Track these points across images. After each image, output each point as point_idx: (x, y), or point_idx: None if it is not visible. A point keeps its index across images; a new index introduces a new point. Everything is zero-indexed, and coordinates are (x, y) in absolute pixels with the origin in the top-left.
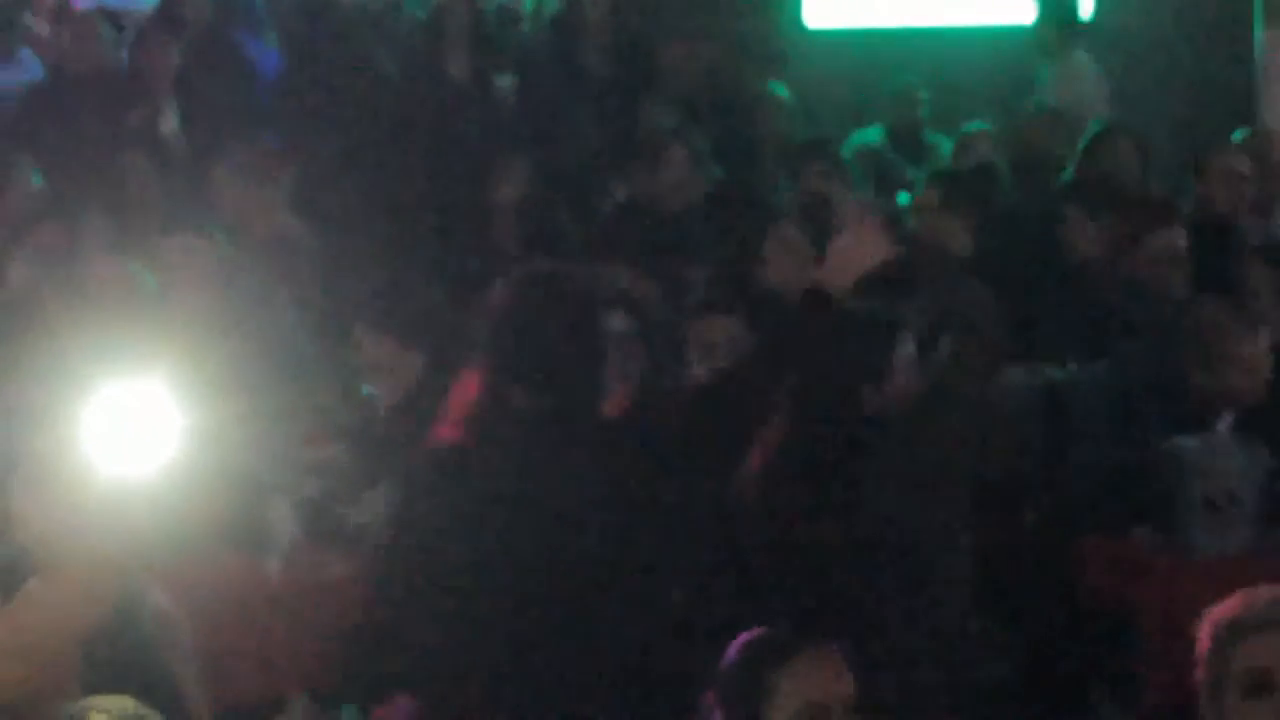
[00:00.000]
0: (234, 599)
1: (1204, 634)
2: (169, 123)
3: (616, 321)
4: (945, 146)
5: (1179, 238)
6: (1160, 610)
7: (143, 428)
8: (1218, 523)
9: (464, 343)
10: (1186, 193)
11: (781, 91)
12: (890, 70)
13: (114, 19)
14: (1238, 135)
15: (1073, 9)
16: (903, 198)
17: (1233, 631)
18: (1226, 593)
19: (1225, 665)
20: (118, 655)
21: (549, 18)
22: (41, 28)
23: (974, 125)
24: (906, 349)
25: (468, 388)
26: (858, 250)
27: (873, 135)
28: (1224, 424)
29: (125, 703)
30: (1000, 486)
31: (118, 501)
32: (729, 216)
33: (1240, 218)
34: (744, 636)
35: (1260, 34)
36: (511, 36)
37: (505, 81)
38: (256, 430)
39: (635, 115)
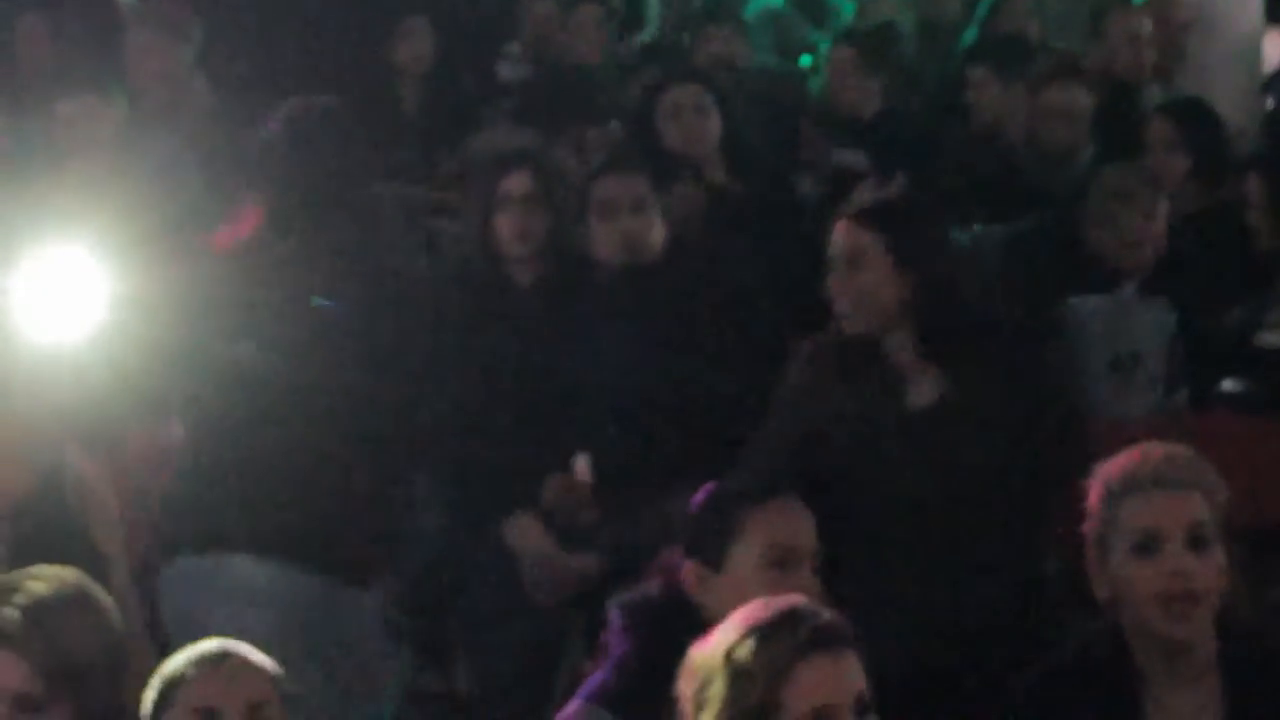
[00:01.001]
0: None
1: (1094, 489)
2: None
3: (520, 181)
4: (846, 9)
5: (1079, 93)
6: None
7: (67, 295)
8: (1122, 384)
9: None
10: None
11: None
12: None
13: None
14: None
15: None
16: (805, 59)
17: (1123, 488)
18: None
19: (1113, 521)
20: (42, 524)
21: None
22: None
23: None
24: None
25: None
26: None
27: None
28: (1128, 288)
29: (65, 573)
30: None
31: (42, 370)
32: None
33: (1141, 80)
34: (711, 485)
35: None
36: None
37: None
38: (173, 295)
39: None
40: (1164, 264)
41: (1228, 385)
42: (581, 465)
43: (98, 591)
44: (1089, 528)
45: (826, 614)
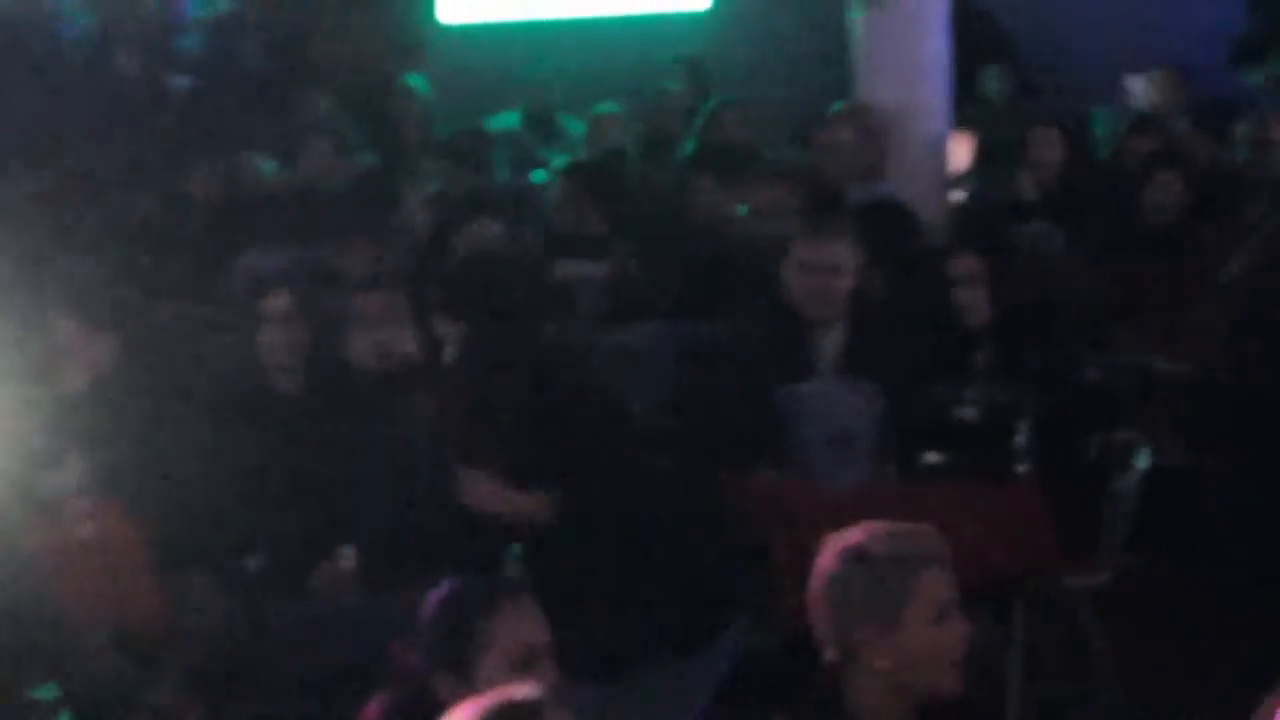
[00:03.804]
0: None
1: (853, 561)
2: None
3: (280, 301)
4: (575, 127)
5: (785, 194)
6: (790, 538)
7: None
8: (838, 458)
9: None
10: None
11: (417, 83)
12: (523, 60)
13: None
14: (838, 106)
15: None
16: (538, 175)
17: (915, 561)
18: (849, 520)
19: (906, 592)
20: None
21: (211, 20)
22: None
23: (603, 107)
24: None
25: None
26: None
27: (510, 120)
28: (827, 368)
29: None
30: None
31: None
32: (379, 197)
33: (846, 183)
34: (439, 591)
35: (856, 13)
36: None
37: (182, 81)
38: None
39: (286, 108)
40: (863, 347)
41: (929, 457)
42: (346, 554)
43: None
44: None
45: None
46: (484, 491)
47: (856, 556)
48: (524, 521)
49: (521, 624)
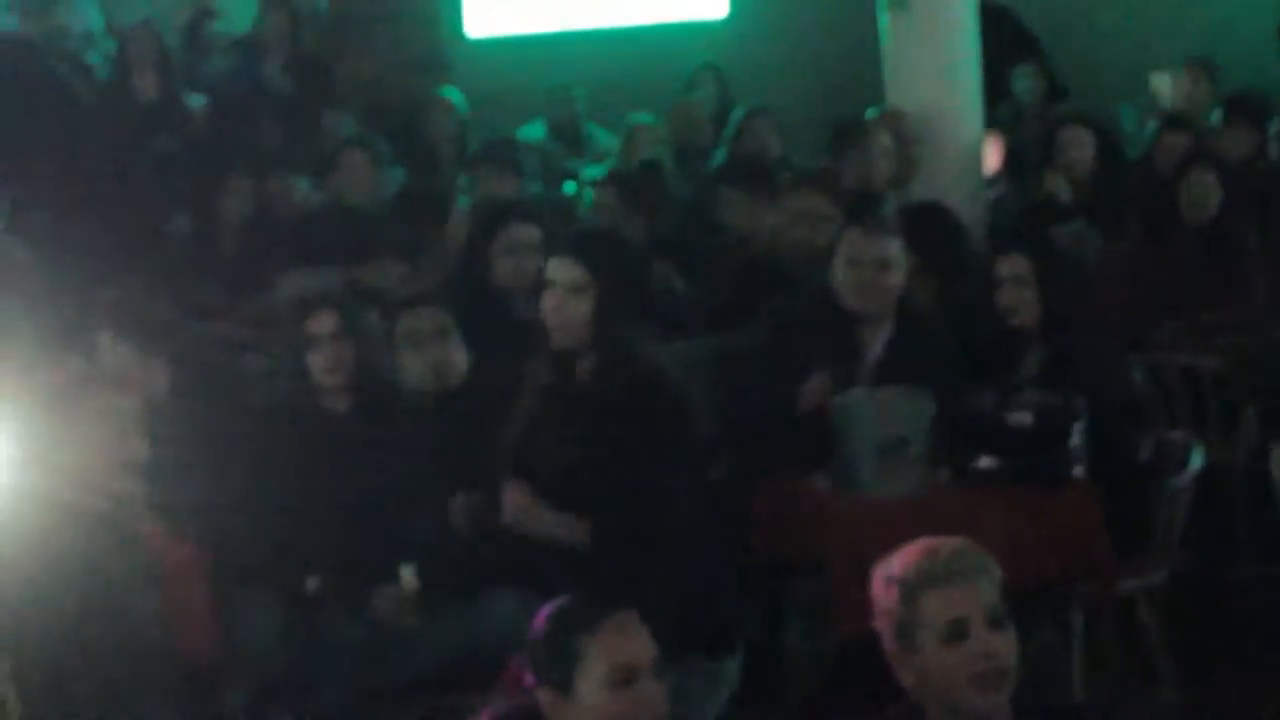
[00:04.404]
0: None
1: (885, 585)
2: None
3: (325, 322)
4: (601, 137)
5: (821, 201)
6: (844, 548)
7: None
8: (889, 466)
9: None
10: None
11: (453, 96)
12: (546, 72)
13: None
14: (873, 112)
15: None
16: (569, 187)
17: (920, 584)
18: (902, 529)
19: (916, 616)
20: None
21: (234, 40)
22: None
23: (638, 118)
24: None
25: None
26: None
27: (535, 131)
28: (872, 369)
29: None
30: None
31: None
32: (413, 214)
33: (882, 189)
34: (549, 607)
35: (884, 20)
36: (201, 60)
37: (197, 101)
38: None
39: (318, 126)
40: (911, 348)
41: (983, 462)
42: (407, 574)
43: None
44: (883, 623)
45: None
46: (520, 509)
47: (884, 577)
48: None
49: (623, 643)
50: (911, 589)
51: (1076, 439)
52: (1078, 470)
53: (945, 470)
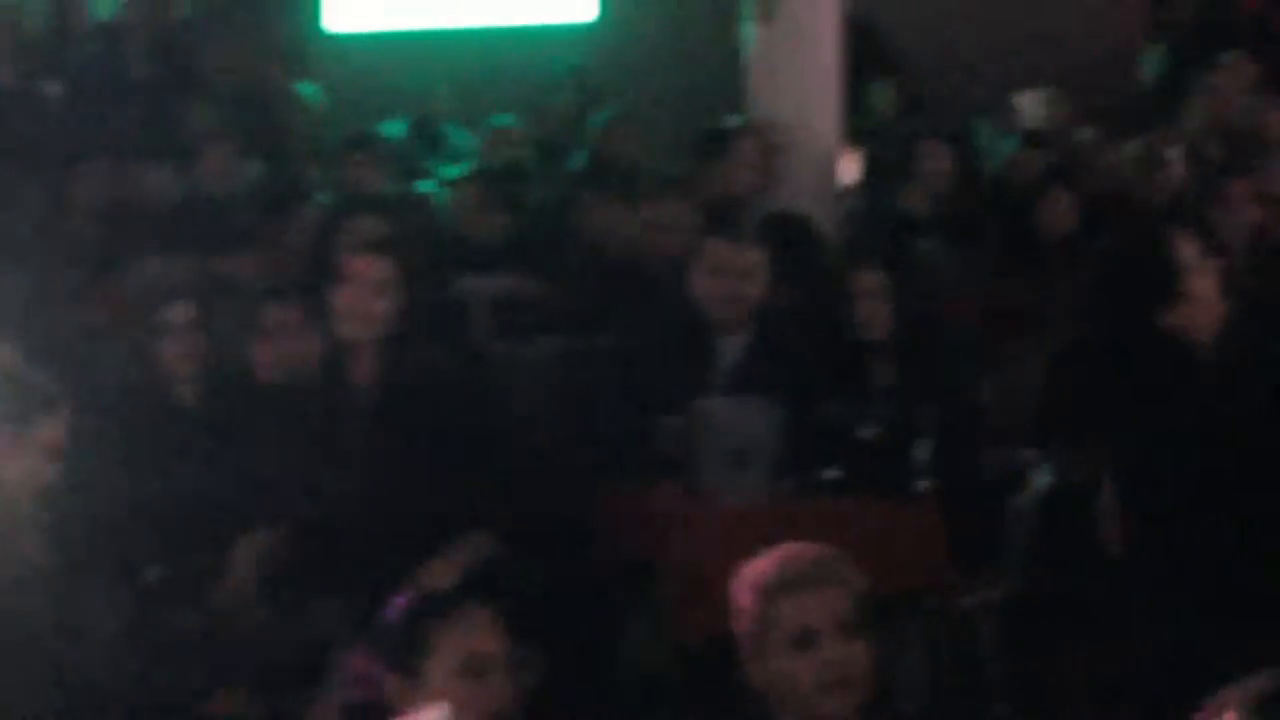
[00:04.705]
0: None
1: (745, 590)
2: None
3: (180, 311)
4: (458, 137)
5: (679, 208)
6: (683, 553)
7: None
8: (735, 474)
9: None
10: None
11: (306, 90)
12: (409, 70)
13: None
14: (740, 121)
15: None
16: (425, 185)
17: (776, 589)
18: (741, 538)
19: (770, 621)
20: None
21: (94, 26)
22: None
23: (498, 119)
24: None
25: None
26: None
27: (396, 129)
28: (726, 377)
29: None
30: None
31: None
32: (270, 207)
33: (744, 198)
34: (400, 597)
35: (748, 29)
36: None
37: (55, 89)
38: None
39: (176, 115)
40: (764, 357)
41: (828, 473)
42: (246, 566)
43: None
44: (743, 626)
45: None
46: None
47: (745, 579)
48: None
49: (473, 633)
50: (767, 593)
51: (922, 453)
52: (923, 484)
53: (790, 480)
